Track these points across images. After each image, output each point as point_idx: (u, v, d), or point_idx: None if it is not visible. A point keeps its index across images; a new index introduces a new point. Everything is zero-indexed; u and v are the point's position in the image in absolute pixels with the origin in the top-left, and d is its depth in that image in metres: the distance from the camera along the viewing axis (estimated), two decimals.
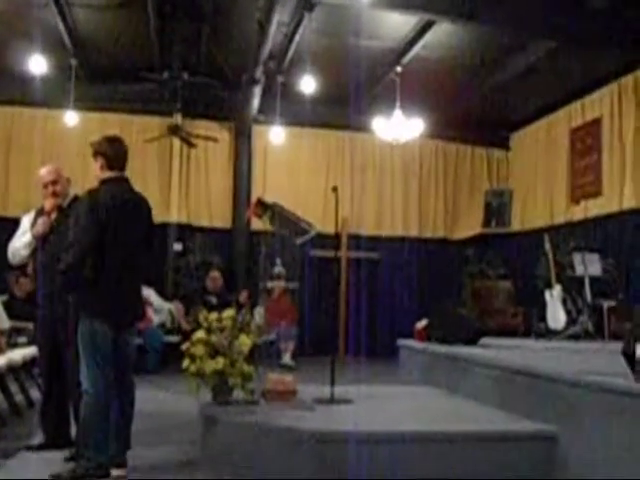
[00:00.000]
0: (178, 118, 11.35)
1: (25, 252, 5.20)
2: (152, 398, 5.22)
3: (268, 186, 12.64)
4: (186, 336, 9.95)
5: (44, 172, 5.21)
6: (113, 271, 4.25)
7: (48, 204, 5.10)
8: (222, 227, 12.60)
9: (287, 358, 10.27)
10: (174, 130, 11.24)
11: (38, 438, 5.28)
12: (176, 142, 12.02)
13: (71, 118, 10.91)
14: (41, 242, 5.08)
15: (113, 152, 4.51)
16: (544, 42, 9.50)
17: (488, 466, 4.39)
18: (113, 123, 11.90)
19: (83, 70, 11.09)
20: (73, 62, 10.68)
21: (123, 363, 4.47)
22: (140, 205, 4.61)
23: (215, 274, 11.03)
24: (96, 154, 4.51)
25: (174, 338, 10.14)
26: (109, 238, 4.23)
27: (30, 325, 8.68)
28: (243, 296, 10.81)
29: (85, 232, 4.21)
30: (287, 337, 10.38)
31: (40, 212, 5.19)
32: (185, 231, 12.25)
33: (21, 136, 11.99)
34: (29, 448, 5.14)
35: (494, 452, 4.44)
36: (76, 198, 5.00)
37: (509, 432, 4.59)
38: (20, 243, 5.20)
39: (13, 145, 11.98)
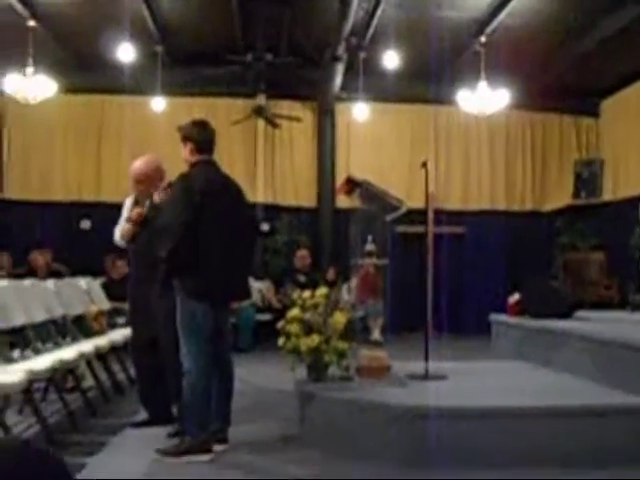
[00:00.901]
0: (262, 99, 11.46)
1: (122, 243, 5.41)
2: (247, 376, 5.36)
3: (352, 163, 12.63)
4: (277, 314, 10.19)
5: (133, 167, 5.35)
6: (211, 252, 4.34)
7: (134, 214, 5.21)
8: (308, 206, 12.70)
9: (376, 334, 10.26)
10: (258, 111, 11.36)
11: (142, 415, 5.48)
12: (260, 123, 12.16)
13: (159, 104, 11.13)
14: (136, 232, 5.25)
15: (202, 136, 4.61)
16: (637, 2, 9.15)
17: (589, 440, 4.33)
18: (199, 107, 12.11)
19: (168, 56, 11.28)
20: (159, 49, 10.88)
21: (222, 342, 4.59)
22: (231, 186, 4.72)
23: (303, 252, 11.15)
24: (185, 139, 4.61)
25: (265, 317, 10.32)
26: (204, 220, 4.32)
27: (127, 306, 9.01)
28: (331, 274, 10.90)
29: (179, 215, 4.31)
30: (376, 313, 10.38)
31: (136, 202, 5.35)
32: (272, 211, 12.39)
33: (111, 124, 12.35)
34: (134, 425, 5.34)
35: (595, 426, 4.37)
36: (169, 185, 5.11)
37: (610, 406, 4.52)
38: (116, 236, 5.42)
39: (104, 133, 12.36)
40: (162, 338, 4.98)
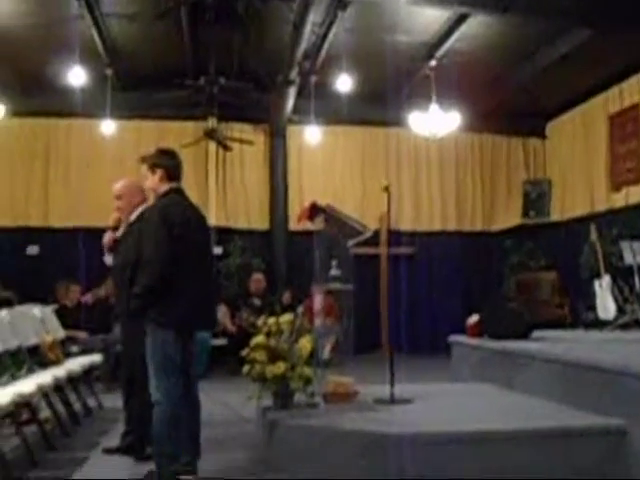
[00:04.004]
0: (213, 122, 11.40)
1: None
2: (206, 403, 5.24)
3: (304, 186, 12.69)
4: (232, 339, 10.08)
5: (114, 186, 5.39)
6: (186, 282, 4.28)
7: (110, 219, 5.25)
8: (260, 229, 12.65)
9: (326, 352, 10.30)
10: (210, 134, 11.28)
11: (112, 441, 5.44)
12: (212, 146, 12.09)
13: (108, 127, 10.97)
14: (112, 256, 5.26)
15: (172, 163, 4.57)
16: (580, 29, 9.41)
17: (556, 463, 4.36)
18: (149, 130, 12.04)
19: (118, 79, 11.16)
20: (108, 72, 10.75)
21: (190, 371, 4.51)
22: (202, 215, 4.68)
23: (258, 276, 11.08)
24: (154, 166, 4.54)
25: (220, 341, 10.20)
26: (180, 251, 4.26)
27: (81, 334, 8.83)
28: (286, 297, 10.86)
29: (159, 249, 4.22)
30: (328, 333, 10.40)
31: (114, 228, 5.40)
32: (224, 234, 12.27)
33: (59, 147, 12.12)
34: (106, 451, 5.33)
35: (561, 448, 4.40)
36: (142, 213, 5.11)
37: (575, 427, 4.56)
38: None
39: (51, 156, 12.12)
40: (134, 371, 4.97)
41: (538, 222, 12.71)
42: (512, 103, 12.28)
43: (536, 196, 12.71)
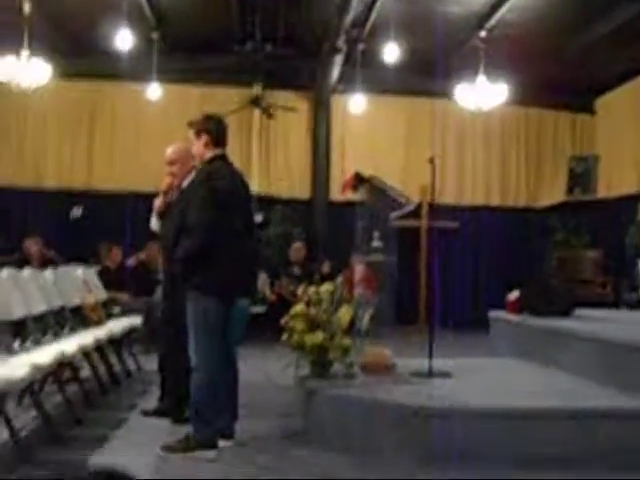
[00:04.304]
0: (258, 89, 11.37)
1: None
2: (243, 370, 5.28)
3: (347, 155, 12.60)
4: (271, 306, 10.11)
5: (167, 151, 5.39)
6: (227, 249, 4.29)
7: (163, 184, 5.26)
8: (301, 198, 12.62)
9: (365, 323, 10.28)
10: (255, 101, 11.27)
11: (149, 403, 5.58)
12: (255, 113, 12.06)
13: (154, 91, 11.00)
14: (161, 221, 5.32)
15: (219, 128, 4.56)
16: (631, 2, 9.14)
17: (595, 444, 4.31)
18: (195, 95, 12.03)
19: (165, 43, 11.15)
20: (155, 35, 10.74)
21: (229, 337, 4.55)
22: (246, 183, 4.68)
23: (299, 245, 11.10)
24: (200, 132, 4.53)
25: (259, 309, 10.25)
26: (227, 218, 4.28)
27: (123, 295, 8.94)
28: (326, 267, 10.85)
29: (203, 216, 4.23)
30: (367, 304, 10.36)
31: (165, 192, 5.40)
32: (265, 202, 12.26)
33: (105, 110, 12.21)
34: (145, 413, 5.40)
35: (601, 429, 4.34)
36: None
37: (616, 408, 4.50)
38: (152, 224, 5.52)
39: (97, 119, 12.22)
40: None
41: (583, 199, 12.48)
42: (561, 77, 12.03)
43: (581, 172, 12.46)
